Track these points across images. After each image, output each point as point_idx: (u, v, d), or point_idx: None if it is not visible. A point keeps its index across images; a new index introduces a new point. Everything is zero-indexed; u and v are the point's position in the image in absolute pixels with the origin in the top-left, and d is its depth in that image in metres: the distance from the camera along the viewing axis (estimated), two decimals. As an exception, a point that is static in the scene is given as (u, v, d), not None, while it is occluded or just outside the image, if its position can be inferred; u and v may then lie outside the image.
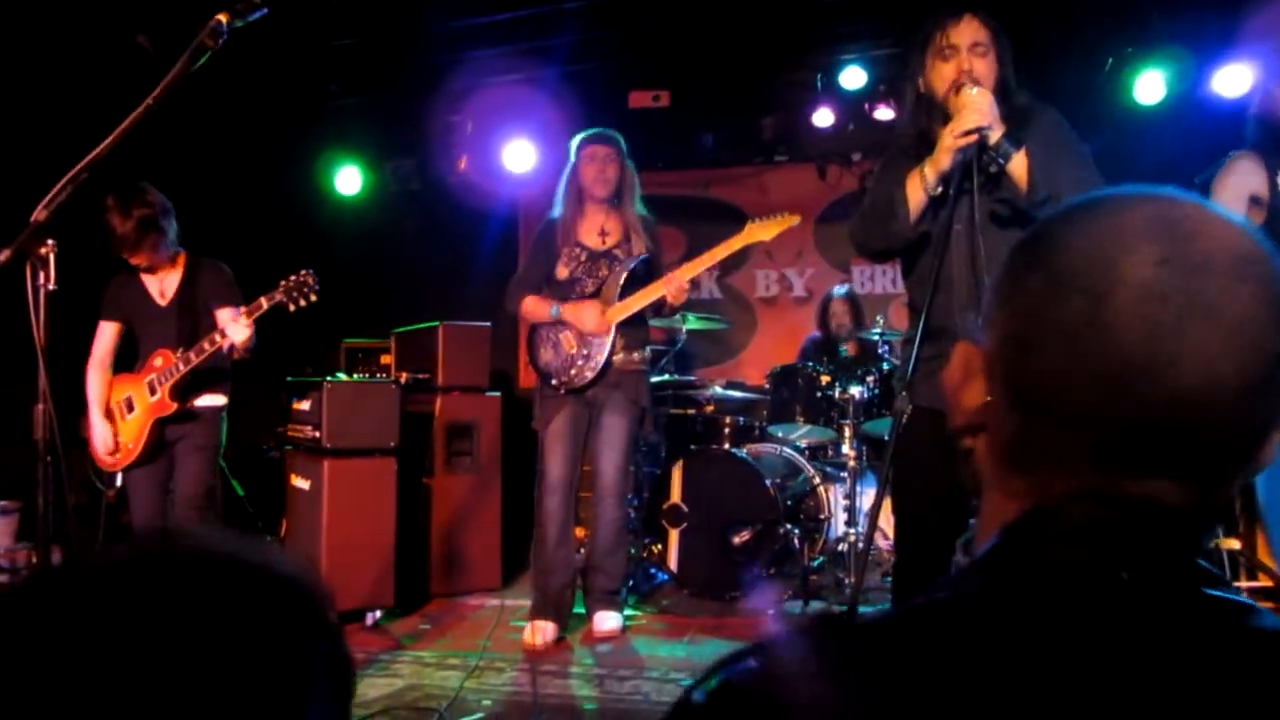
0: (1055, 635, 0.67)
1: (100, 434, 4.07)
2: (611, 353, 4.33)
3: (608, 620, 4.42)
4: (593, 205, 4.45)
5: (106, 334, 4.18)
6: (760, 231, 4.31)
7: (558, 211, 4.49)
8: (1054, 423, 0.75)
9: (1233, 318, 0.71)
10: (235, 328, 3.89)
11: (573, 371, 4.35)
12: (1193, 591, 0.71)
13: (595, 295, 4.37)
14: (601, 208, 4.46)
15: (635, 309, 4.32)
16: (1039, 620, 0.68)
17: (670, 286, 4.27)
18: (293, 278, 3.96)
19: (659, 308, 4.47)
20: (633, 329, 4.41)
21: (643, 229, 4.47)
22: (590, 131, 4.51)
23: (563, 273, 4.43)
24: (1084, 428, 0.73)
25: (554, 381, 4.39)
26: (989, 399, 0.81)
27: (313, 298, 3.97)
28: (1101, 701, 0.65)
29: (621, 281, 4.35)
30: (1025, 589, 0.71)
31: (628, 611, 4.67)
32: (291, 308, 3.95)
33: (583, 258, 4.42)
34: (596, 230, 4.45)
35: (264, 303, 3.94)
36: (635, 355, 4.43)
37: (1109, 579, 0.70)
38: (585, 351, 4.34)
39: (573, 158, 4.49)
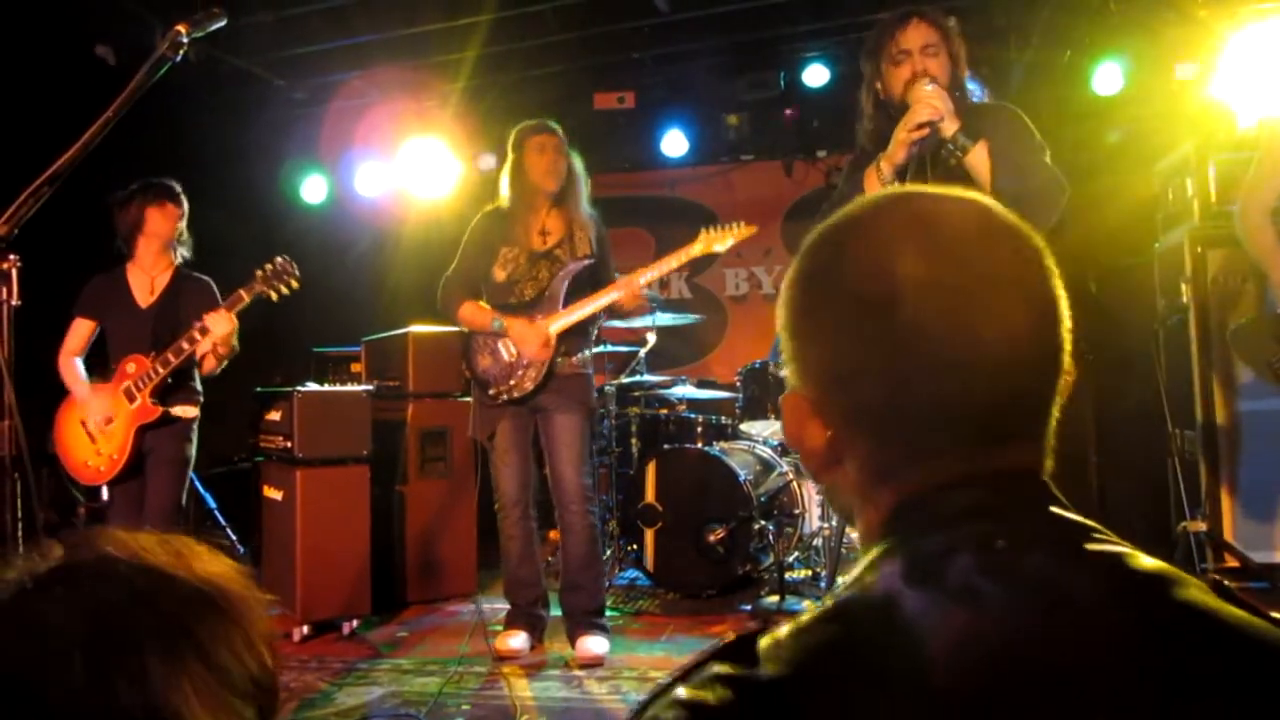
0: (949, 619, 0.69)
1: (91, 406, 3.95)
2: (553, 360, 4.13)
3: (591, 645, 4.11)
4: (539, 201, 4.20)
5: (80, 330, 4.09)
6: (714, 241, 4.14)
7: (501, 204, 4.27)
8: (899, 431, 0.79)
9: (1003, 279, 0.77)
10: (217, 319, 3.84)
11: (512, 381, 4.13)
12: (1070, 547, 0.74)
13: (535, 301, 4.15)
14: (545, 204, 4.20)
15: (578, 318, 4.11)
16: (930, 608, 0.70)
17: (625, 290, 4.08)
18: (269, 266, 3.91)
19: (613, 306, 4.23)
20: (573, 333, 4.18)
21: (589, 225, 4.25)
22: (531, 122, 4.27)
23: (500, 275, 4.20)
24: (926, 425, 0.78)
25: (492, 391, 4.17)
26: (830, 433, 0.83)
27: (294, 284, 3.92)
28: (1002, 675, 0.67)
29: (564, 290, 4.15)
30: (913, 578, 0.73)
31: (607, 612, 4.59)
32: (274, 296, 3.90)
33: (521, 259, 4.18)
34: (537, 229, 4.20)
35: (244, 295, 3.88)
36: (575, 359, 4.21)
37: (987, 552, 0.72)
38: (525, 360, 4.12)
39: (514, 151, 4.24)
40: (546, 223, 4.22)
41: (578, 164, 4.29)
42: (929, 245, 0.77)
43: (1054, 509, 0.77)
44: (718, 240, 4.14)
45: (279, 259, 3.95)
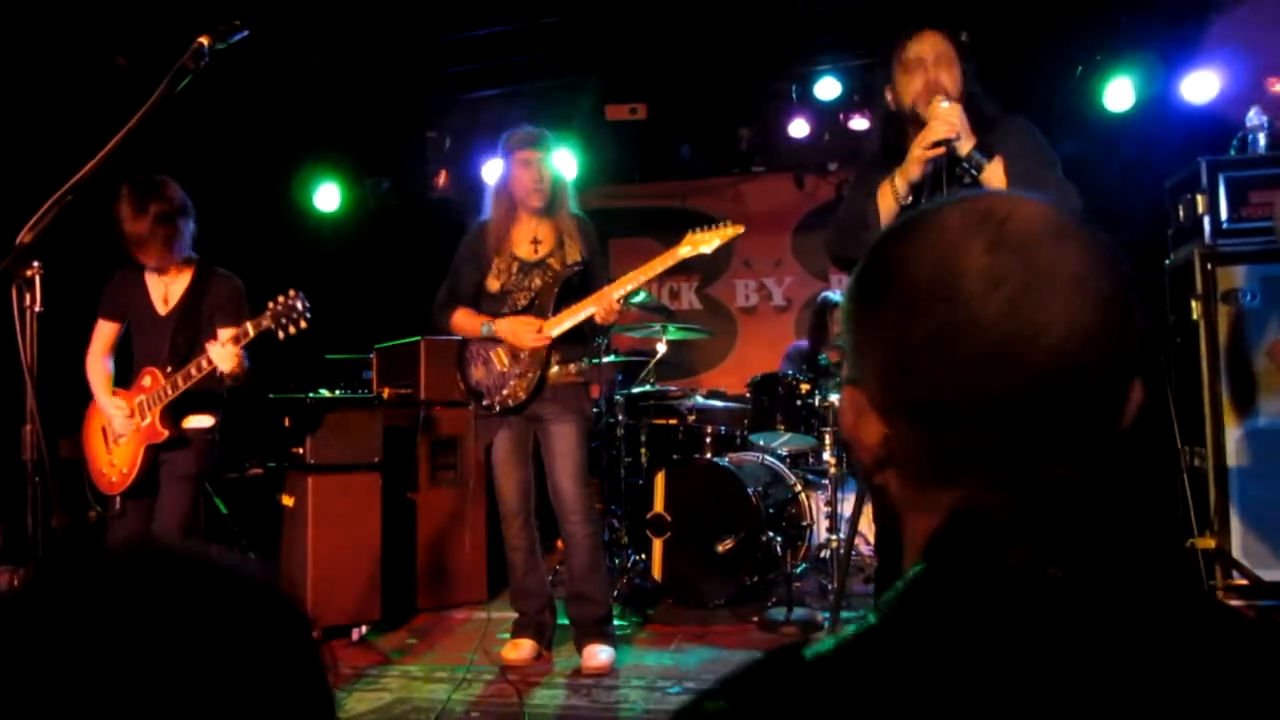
0: (1000, 644, 0.69)
1: (111, 409, 3.85)
2: (546, 367, 4.12)
3: (598, 654, 4.11)
4: (525, 214, 4.21)
5: (105, 332, 3.97)
6: (700, 242, 4.04)
7: (487, 215, 4.26)
8: (956, 428, 0.77)
9: (1070, 275, 0.76)
10: (221, 355, 3.65)
11: (505, 391, 4.13)
12: (1123, 574, 0.74)
13: (528, 309, 4.15)
14: (533, 216, 4.21)
15: (572, 323, 4.08)
16: (982, 633, 0.70)
17: (600, 306, 4.01)
18: (281, 300, 3.69)
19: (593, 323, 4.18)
20: (568, 341, 4.16)
21: (578, 232, 4.23)
22: (519, 132, 4.22)
23: (494, 285, 4.20)
24: (984, 422, 0.76)
25: (486, 401, 4.18)
26: (887, 431, 0.83)
27: (303, 324, 3.68)
28: (1046, 710, 0.67)
29: (555, 293, 4.14)
30: (963, 601, 0.72)
31: (615, 622, 4.56)
32: (280, 335, 3.69)
33: (514, 269, 4.18)
34: (529, 239, 4.21)
35: (250, 329, 3.67)
36: (571, 368, 4.20)
37: (1041, 578, 0.72)
38: (518, 369, 4.12)
39: (503, 158, 4.23)
40: (537, 232, 4.23)
41: (562, 172, 4.31)
42: (994, 238, 0.77)
43: (1104, 530, 0.76)
44: (703, 241, 4.06)
45: (290, 292, 3.70)
